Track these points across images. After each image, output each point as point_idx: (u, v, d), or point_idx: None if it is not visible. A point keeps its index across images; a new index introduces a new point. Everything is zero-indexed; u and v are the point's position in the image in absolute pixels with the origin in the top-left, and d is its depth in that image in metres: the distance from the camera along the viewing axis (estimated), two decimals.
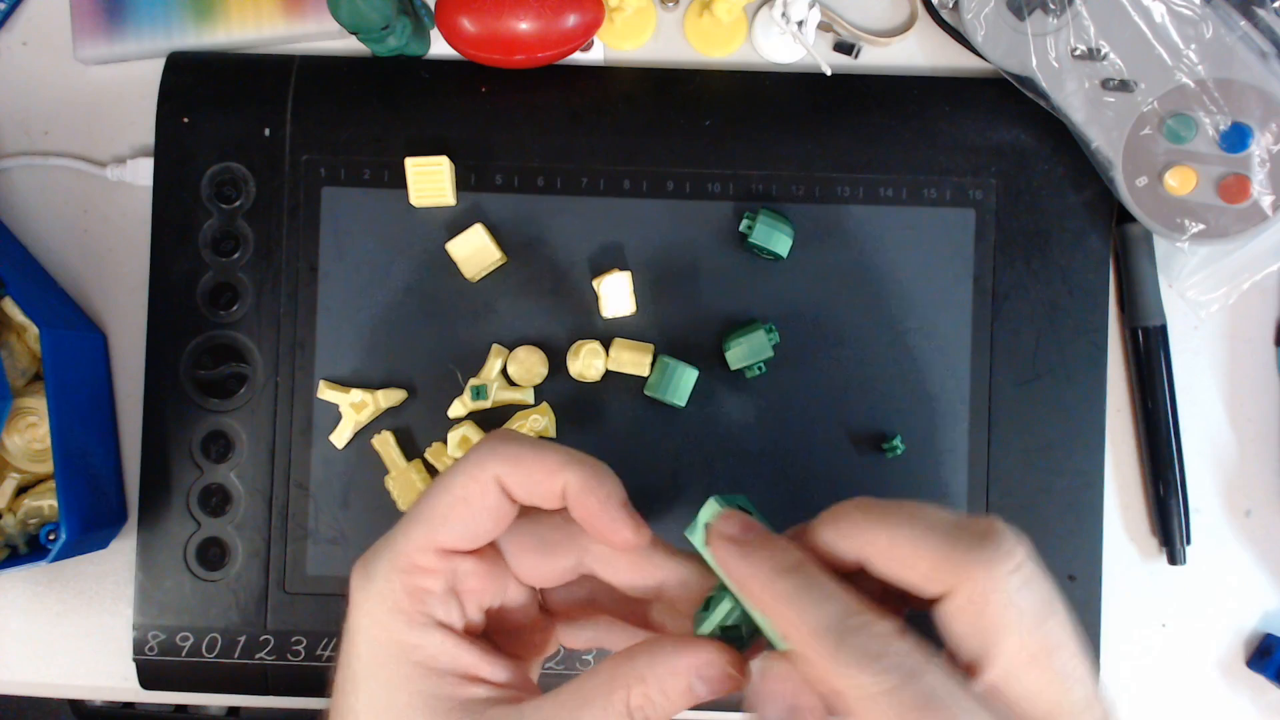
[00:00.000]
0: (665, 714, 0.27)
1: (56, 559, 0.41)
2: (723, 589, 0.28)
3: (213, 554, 0.45)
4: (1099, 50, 0.43)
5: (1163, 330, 0.46)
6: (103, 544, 0.45)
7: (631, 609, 0.32)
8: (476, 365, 0.45)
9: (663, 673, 0.27)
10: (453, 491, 0.29)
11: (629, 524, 0.29)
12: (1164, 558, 0.47)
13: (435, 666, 0.28)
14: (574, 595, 0.33)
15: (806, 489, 0.45)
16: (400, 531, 0.29)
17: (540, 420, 0.44)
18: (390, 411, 0.45)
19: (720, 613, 0.28)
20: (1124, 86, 0.43)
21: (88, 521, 0.43)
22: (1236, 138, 0.42)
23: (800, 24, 0.45)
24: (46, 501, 0.44)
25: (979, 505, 0.45)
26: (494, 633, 0.31)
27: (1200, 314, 0.47)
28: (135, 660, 0.45)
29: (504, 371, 0.45)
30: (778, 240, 0.44)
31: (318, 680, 0.44)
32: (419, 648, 0.28)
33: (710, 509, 0.28)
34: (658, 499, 0.45)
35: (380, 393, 0.45)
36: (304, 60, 0.46)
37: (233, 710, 0.73)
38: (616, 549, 0.30)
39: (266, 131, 0.46)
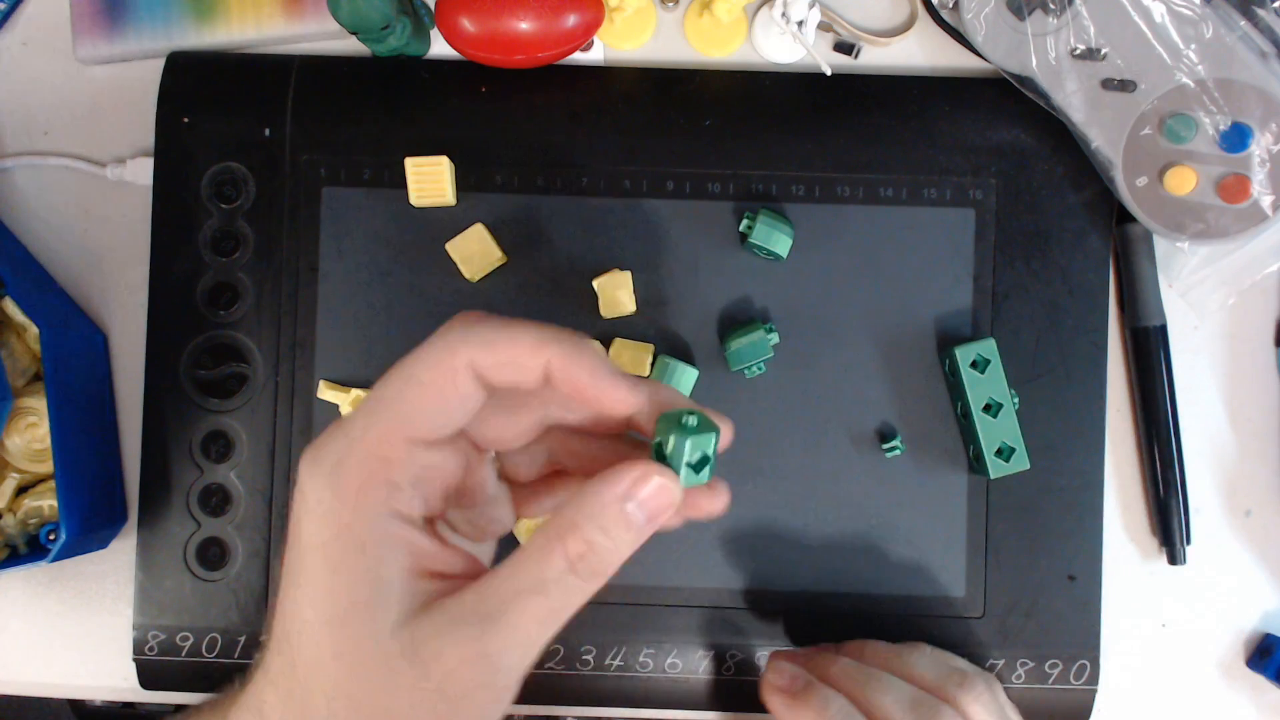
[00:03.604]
0: (613, 555, 0.26)
1: (56, 559, 0.41)
2: (668, 426, 0.27)
3: (213, 554, 0.45)
4: (1099, 50, 0.43)
5: (1163, 330, 0.46)
6: (103, 544, 0.45)
7: (594, 466, 0.30)
8: None
9: (593, 510, 0.26)
10: (421, 380, 0.27)
11: (623, 385, 0.28)
12: (1164, 558, 0.47)
13: (389, 561, 0.26)
14: (534, 458, 0.32)
15: (807, 489, 0.45)
16: (360, 420, 0.27)
17: None
18: None
19: (672, 449, 0.26)
20: (1124, 86, 0.43)
21: (88, 521, 0.43)
22: (1236, 138, 0.42)
23: (800, 24, 0.45)
24: (46, 501, 0.44)
25: (978, 505, 0.45)
26: (452, 510, 0.30)
27: (1200, 314, 0.47)
28: (135, 660, 0.45)
29: None
30: (778, 240, 0.44)
31: None
32: (374, 542, 0.26)
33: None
34: None
35: None
36: (304, 60, 0.46)
37: None
38: (615, 413, 0.28)
39: (266, 131, 0.46)
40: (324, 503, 0.26)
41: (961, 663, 0.42)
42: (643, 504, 0.26)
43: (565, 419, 0.30)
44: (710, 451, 0.27)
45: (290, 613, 0.27)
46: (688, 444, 0.27)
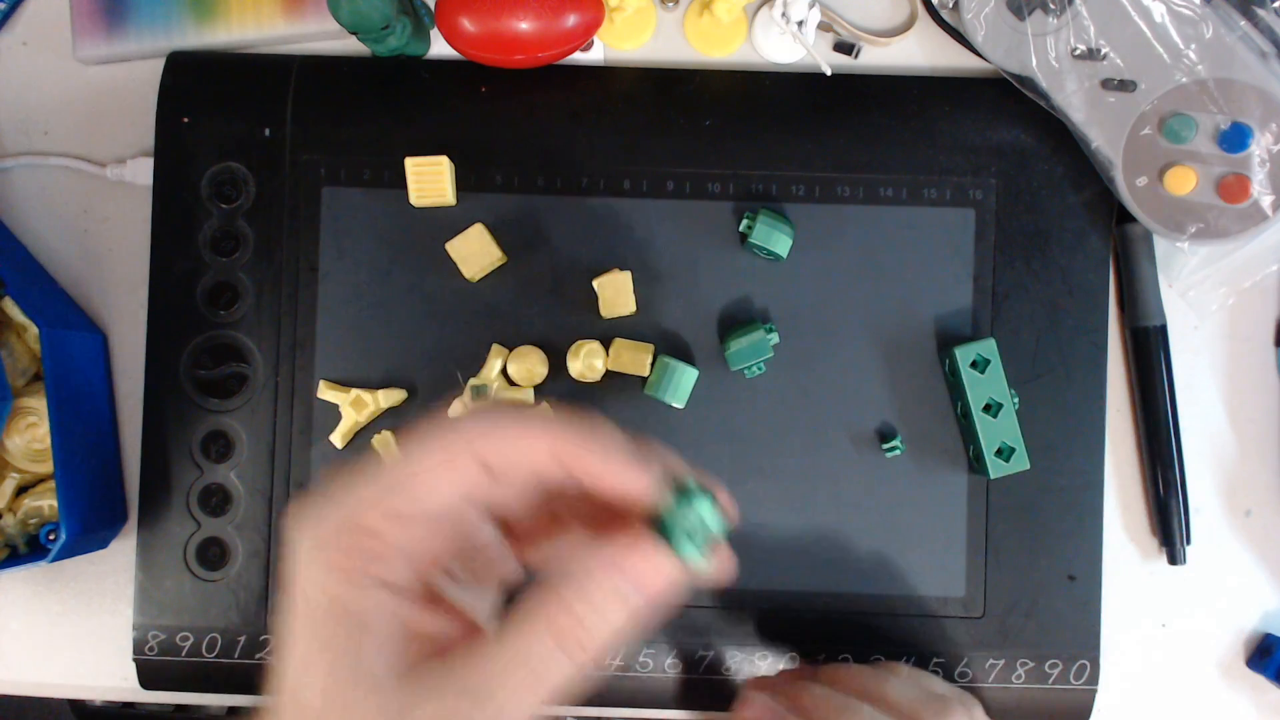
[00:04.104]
0: (601, 633, 0.25)
1: (56, 559, 0.41)
2: (666, 493, 0.26)
3: (213, 554, 0.45)
4: (1099, 50, 0.43)
5: (1163, 330, 0.46)
6: (103, 544, 0.45)
7: (592, 519, 0.29)
8: (476, 365, 0.45)
9: (584, 584, 0.25)
10: (420, 464, 0.26)
11: (637, 468, 0.26)
12: (1164, 558, 0.47)
13: (376, 631, 0.25)
14: (532, 507, 0.31)
15: (807, 489, 0.45)
16: (353, 492, 0.26)
17: None
18: (390, 411, 0.45)
19: (673, 524, 0.25)
20: (1124, 86, 0.43)
21: (88, 521, 0.43)
22: (1236, 138, 0.42)
23: (800, 24, 0.45)
24: (46, 501, 0.44)
25: (978, 505, 0.45)
26: (449, 560, 0.29)
27: (1200, 314, 0.47)
28: (135, 660, 0.45)
29: (504, 371, 0.45)
30: (778, 240, 0.44)
31: None
32: (357, 609, 0.25)
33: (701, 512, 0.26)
34: None
35: (380, 393, 0.45)
36: (304, 60, 0.46)
37: (233, 710, 0.73)
38: (628, 494, 0.27)
39: (266, 131, 0.46)
40: (313, 571, 0.26)
41: (940, 686, 0.42)
42: (635, 578, 0.25)
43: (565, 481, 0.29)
44: (710, 519, 0.26)
45: (283, 673, 0.26)
46: (687, 512, 0.25)
